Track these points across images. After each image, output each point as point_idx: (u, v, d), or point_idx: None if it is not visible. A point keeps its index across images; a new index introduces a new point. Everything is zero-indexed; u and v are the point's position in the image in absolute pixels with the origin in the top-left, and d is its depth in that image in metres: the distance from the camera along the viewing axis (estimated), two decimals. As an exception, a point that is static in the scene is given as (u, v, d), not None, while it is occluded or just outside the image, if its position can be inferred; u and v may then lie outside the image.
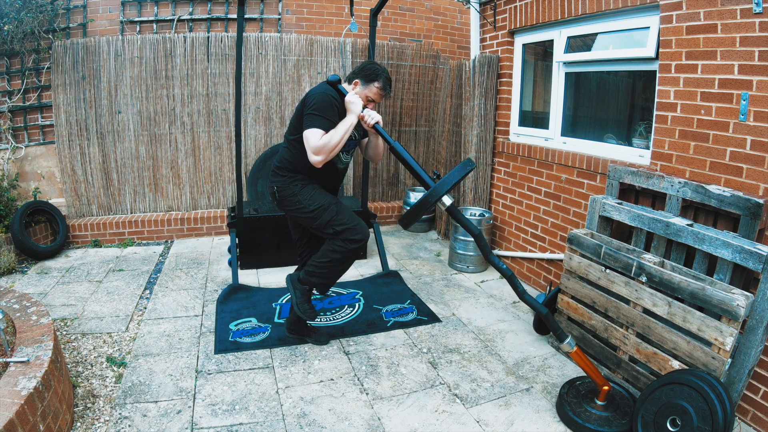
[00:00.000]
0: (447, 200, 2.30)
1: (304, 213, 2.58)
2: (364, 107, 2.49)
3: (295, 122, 2.57)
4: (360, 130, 2.64)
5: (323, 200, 2.57)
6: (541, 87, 4.05)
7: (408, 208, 5.47)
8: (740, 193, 2.26)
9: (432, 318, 3.38)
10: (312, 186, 2.60)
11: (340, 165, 2.71)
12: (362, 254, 4.58)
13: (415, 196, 5.45)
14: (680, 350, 2.25)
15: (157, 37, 4.85)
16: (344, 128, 2.40)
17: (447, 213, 2.35)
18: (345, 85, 2.57)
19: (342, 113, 2.49)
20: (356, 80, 2.53)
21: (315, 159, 2.39)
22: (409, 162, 2.40)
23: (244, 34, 4.63)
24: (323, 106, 2.40)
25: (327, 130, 2.39)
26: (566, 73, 3.62)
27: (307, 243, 2.88)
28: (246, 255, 4.18)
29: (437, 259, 4.66)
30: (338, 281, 3.99)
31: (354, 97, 2.45)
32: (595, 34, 3.31)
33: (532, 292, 3.91)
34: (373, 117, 2.45)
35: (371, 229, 4.61)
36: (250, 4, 5.21)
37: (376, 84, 2.50)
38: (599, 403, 2.33)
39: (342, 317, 3.37)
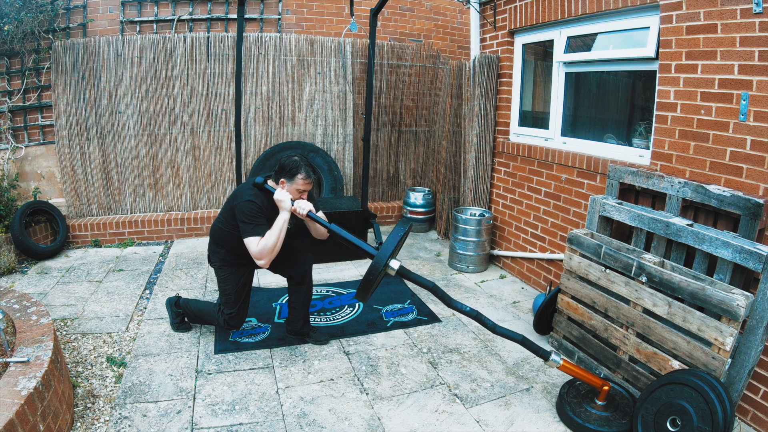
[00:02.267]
0: (394, 264, 2.33)
1: (218, 282, 2.87)
2: (294, 200, 2.57)
3: (224, 214, 2.73)
4: (295, 218, 2.71)
5: (231, 285, 2.80)
6: (541, 87, 4.05)
7: (408, 208, 5.47)
8: (740, 193, 2.26)
9: (432, 318, 3.39)
10: (229, 269, 2.79)
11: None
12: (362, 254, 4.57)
13: (414, 196, 5.45)
14: (680, 350, 2.25)
15: (157, 37, 4.85)
16: (278, 227, 2.53)
17: (397, 275, 2.39)
18: (272, 183, 2.66)
19: (272, 212, 2.59)
20: (282, 179, 2.61)
21: (261, 263, 2.54)
22: (349, 239, 2.50)
23: (244, 34, 4.63)
24: (252, 214, 2.53)
25: (262, 233, 2.52)
26: (566, 73, 3.62)
27: (285, 269, 2.92)
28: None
29: (437, 259, 4.66)
30: (338, 281, 4.02)
31: (282, 194, 2.55)
32: (595, 34, 3.31)
33: (532, 292, 3.91)
34: (304, 207, 2.54)
35: (371, 229, 4.63)
36: (250, 4, 5.21)
37: (299, 176, 2.58)
38: (599, 403, 2.33)
39: (342, 317, 3.37)
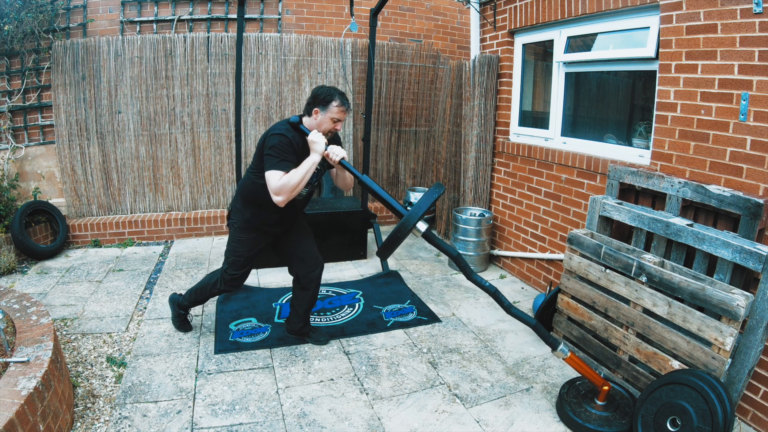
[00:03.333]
0: (422, 226, 2.29)
1: (229, 240, 2.79)
2: (329, 144, 2.51)
3: (257, 158, 2.61)
4: (324, 164, 2.65)
5: (242, 249, 2.74)
6: (541, 87, 4.05)
7: (408, 207, 5.46)
8: (740, 193, 2.26)
9: (432, 318, 3.38)
10: (249, 234, 2.72)
11: (297, 197, 2.68)
12: (362, 254, 4.58)
13: (415, 196, 5.45)
14: (680, 350, 2.25)
15: (157, 37, 4.85)
16: (306, 168, 2.42)
17: (423, 237, 2.34)
18: (306, 119, 2.59)
19: (302, 153, 2.50)
20: (315, 109, 2.54)
21: (277, 199, 2.42)
22: (380, 193, 2.42)
23: (244, 34, 4.63)
24: (281, 147, 2.42)
25: (286, 170, 2.40)
26: (566, 73, 3.62)
27: (294, 263, 2.89)
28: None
29: (437, 259, 4.66)
30: (338, 281, 4.01)
31: (316, 135, 2.46)
32: (595, 34, 3.31)
33: (532, 292, 3.91)
34: (338, 154, 2.47)
35: (371, 229, 4.62)
36: (250, 4, 5.21)
37: (334, 104, 2.52)
38: (599, 403, 2.33)
39: (342, 317, 3.37)
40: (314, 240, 2.91)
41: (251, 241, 2.72)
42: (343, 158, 2.48)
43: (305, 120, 2.58)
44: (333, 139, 2.65)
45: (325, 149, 2.46)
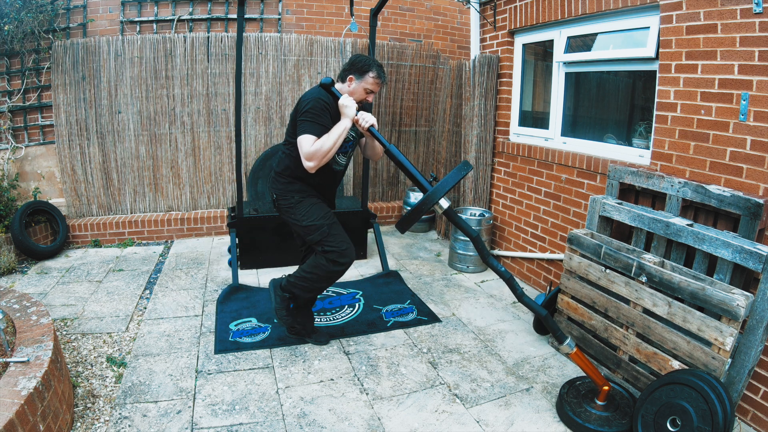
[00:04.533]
0: (444, 203, 2.27)
1: (299, 226, 2.62)
2: (359, 110, 2.45)
3: (291, 128, 2.56)
4: (357, 130, 2.62)
5: (318, 218, 2.58)
6: (541, 87, 4.05)
7: (408, 208, 5.47)
8: (740, 193, 2.26)
9: (432, 318, 3.38)
10: (310, 200, 2.61)
11: (336, 167, 2.68)
12: (362, 254, 4.58)
13: (415, 196, 5.44)
14: (680, 350, 2.25)
15: (157, 37, 4.85)
16: (337, 133, 2.37)
17: (444, 216, 2.32)
18: (338, 85, 2.55)
19: (336, 116, 2.46)
20: (350, 76, 2.50)
21: (308, 164, 2.38)
22: (406, 165, 2.37)
23: (244, 34, 4.63)
24: (315, 110, 2.38)
25: (320, 135, 2.36)
26: (566, 73, 3.62)
27: (308, 248, 2.89)
28: (246, 255, 4.19)
29: (437, 259, 4.66)
30: (338, 281, 4.01)
31: (347, 100, 2.42)
32: (595, 34, 3.31)
33: (531, 292, 3.91)
34: (367, 120, 2.42)
35: (371, 229, 4.63)
36: (250, 4, 5.21)
37: (370, 74, 2.48)
38: (599, 403, 2.33)
39: (342, 317, 3.37)
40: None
41: (316, 207, 2.59)
42: (372, 125, 2.43)
43: (338, 86, 2.53)
44: (364, 107, 2.60)
45: (356, 114, 2.41)
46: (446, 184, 2.15)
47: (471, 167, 2.31)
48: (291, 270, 3.44)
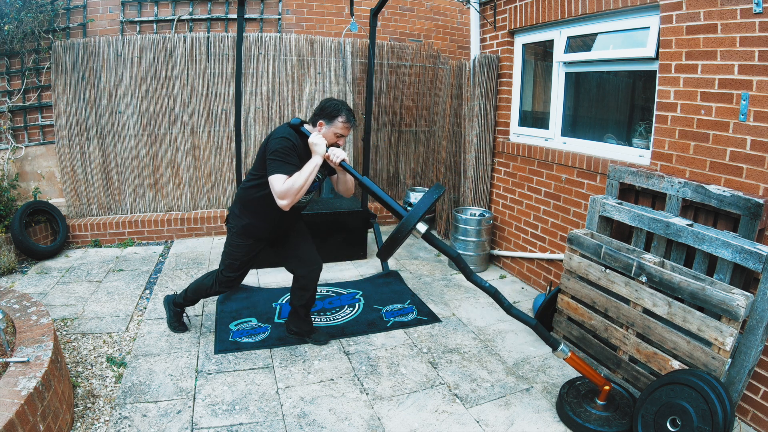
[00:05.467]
0: (422, 227, 2.28)
1: (227, 244, 2.79)
2: (330, 146, 2.50)
3: (257, 164, 2.60)
4: (326, 169, 2.65)
5: (240, 255, 2.74)
6: (541, 87, 4.05)
7: (408, 208, 5.47)
8: (740, 193, 2.26)
9: (432, 318, 3.38)
10: (247, 241, 2.71)
11: (296, 204, 2.66)
12: (362, 254, 4.58)
13: (415, 196, 5.45)
14: (680, 350, 2.25)
15: (157, 37, 4.85)
16: (309, 170, 2.40)
17: (423, 238, 2.34)
18: (308, 127, 2.57)
19: (305, 156, 2.49)
20: (320, 121, 2.53)
21: (282, 203, 2.40)
22: (380, 195, 2.40)
23: (244, 34, 4.63)
24: (284, 151, 2.41)
25: (290, 174, 2.39)
26: (566, 73, 3.62)
27: (292, 264, 2.88)
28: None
29: (437, 259, 4.66)
30: (338, 281, 4.02)
31: (317, 138, 2.45)
32: (595, 34, 3.31)
33: (532, 292, 3.91)
34: (338, 155, 2.44)
35: (371, 229, 4.62)
36: (250, 4, 5.21)
37: (339, 119, 2.51)
38: (599, 402, 2.33)
39: (342, 317, 3.37)
40: (312, 241, 2.91)
41: (247, 247, 2.72)
42: (343, 160, 2.46)
43: (308, 128, 2.57)
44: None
45: (326, 151, 2.45)
46: (419, 210, 2.16)
47: (443, 189, 2.32)
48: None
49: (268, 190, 2.45)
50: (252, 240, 2.71)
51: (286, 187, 2.36)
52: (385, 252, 2.25)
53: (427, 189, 5.48)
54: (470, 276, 2.32)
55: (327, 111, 2.51)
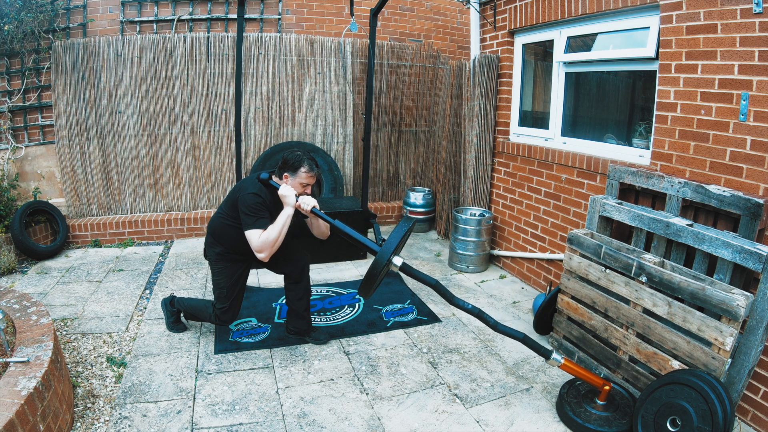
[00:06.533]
0: (398, 261, 2.33)
1: (213, 273, 2.83)
2: (299, 195, 2.58)
3: (227, 205, 2.70)
4: (298, 216, 2.73)
5: (225, 278, 2.78)
6: (541, 87, 4.05)
7: (408, 208, 5.47)
8: (740, 193, 2.26)
9: (432, 318, 3.38)
10: (226, 264, 2.77)
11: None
12: (362, 254, 4.58)
13: (415, 196, 5.45)
14: (680, 350, 2.25)
15: (157, 37, 4.85)
16: (282, 222, 2.53)
17: (400, 272, 2.41)
18: (276, 180, 2.66)
19: (274, 209, 2.60)
20: (285, 174, 2.62)
21: (260, 256, 2.54)
22: (353, 235, 2.49)
23: (244, 34, 4.63)
24: (255, 207, 2.53)
25: (264, 227, 2.52)
26: (566, 73, 3.62)
27: (280, 265, 2.91)
28: (246, 255, 4.18)
29: (437, 259, 4.66)
30: (338, 281, 4.02)
31: (286, 189, 2.55)
32: (595, 34, 3.31)
33: (532, 292, 3.91)
34: (308, 203, 2.55)
35: (371, 229, 4.63)
36: (250, 4, 5.21)
37: (302, 170, 2.59)
38: (599, 403, 2.33)
39: (342, 317, 3.37)
40: (293, 240, 2.93)
41: (227, 270, 2.78)
42: (314, 207, 2.56)
43: (276, 180, 2.66)
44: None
45: (296, 201, 2.55)
46: (391, 244, 2.22)
47: (412, 221, 2.42)
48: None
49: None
50: (229, 262, 2.78)
51: (261, 241, 2.50)
52: (365, 289, 2.31)
53: (427, 189, 5.50)
54: (452, 300, 2.36)
55: (290, 164, 2.60)
